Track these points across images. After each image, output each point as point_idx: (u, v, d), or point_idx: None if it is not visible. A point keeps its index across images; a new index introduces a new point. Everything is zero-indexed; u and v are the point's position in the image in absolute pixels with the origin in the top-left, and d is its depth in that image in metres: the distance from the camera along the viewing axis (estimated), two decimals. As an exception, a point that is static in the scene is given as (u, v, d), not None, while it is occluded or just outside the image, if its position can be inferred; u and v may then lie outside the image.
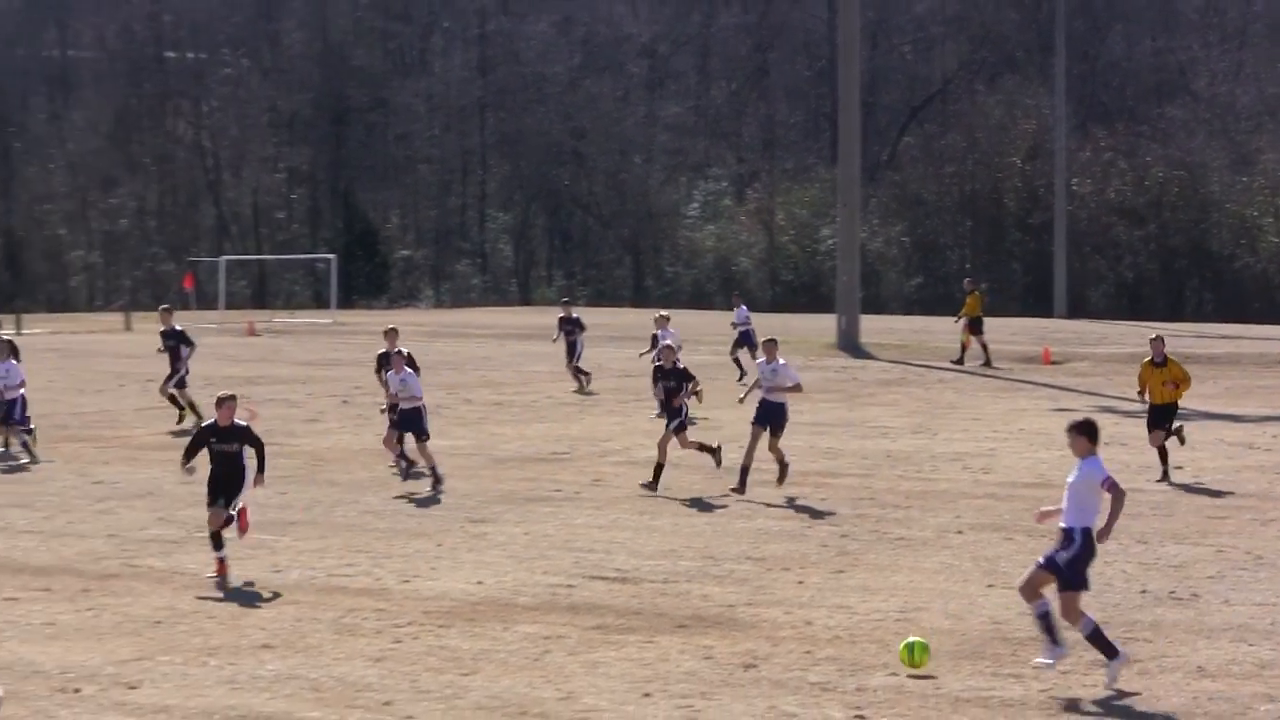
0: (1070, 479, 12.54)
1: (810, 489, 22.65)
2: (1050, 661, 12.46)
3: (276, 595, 16.04)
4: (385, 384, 24.42)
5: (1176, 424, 23.75)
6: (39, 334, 57.57)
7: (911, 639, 13.08)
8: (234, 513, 16.61)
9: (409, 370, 23.48)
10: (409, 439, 23.11)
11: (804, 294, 76.66)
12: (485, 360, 46.31)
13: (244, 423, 16.75)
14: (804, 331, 50.96)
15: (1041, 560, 12.43)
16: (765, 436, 21.96)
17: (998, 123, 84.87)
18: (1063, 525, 12.44)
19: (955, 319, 45.11)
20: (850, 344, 48.07)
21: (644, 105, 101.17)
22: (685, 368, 23.50)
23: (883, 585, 16.34)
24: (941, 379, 40.68)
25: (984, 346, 41.81)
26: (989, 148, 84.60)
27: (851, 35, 51.40)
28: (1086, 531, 12.24)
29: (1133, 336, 49.04)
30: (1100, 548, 12.55)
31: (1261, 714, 11.73)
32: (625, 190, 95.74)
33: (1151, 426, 23.35)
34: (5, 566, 17.54)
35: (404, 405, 22.90)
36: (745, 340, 38.98)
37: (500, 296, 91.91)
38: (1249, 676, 12.66)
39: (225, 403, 16.52)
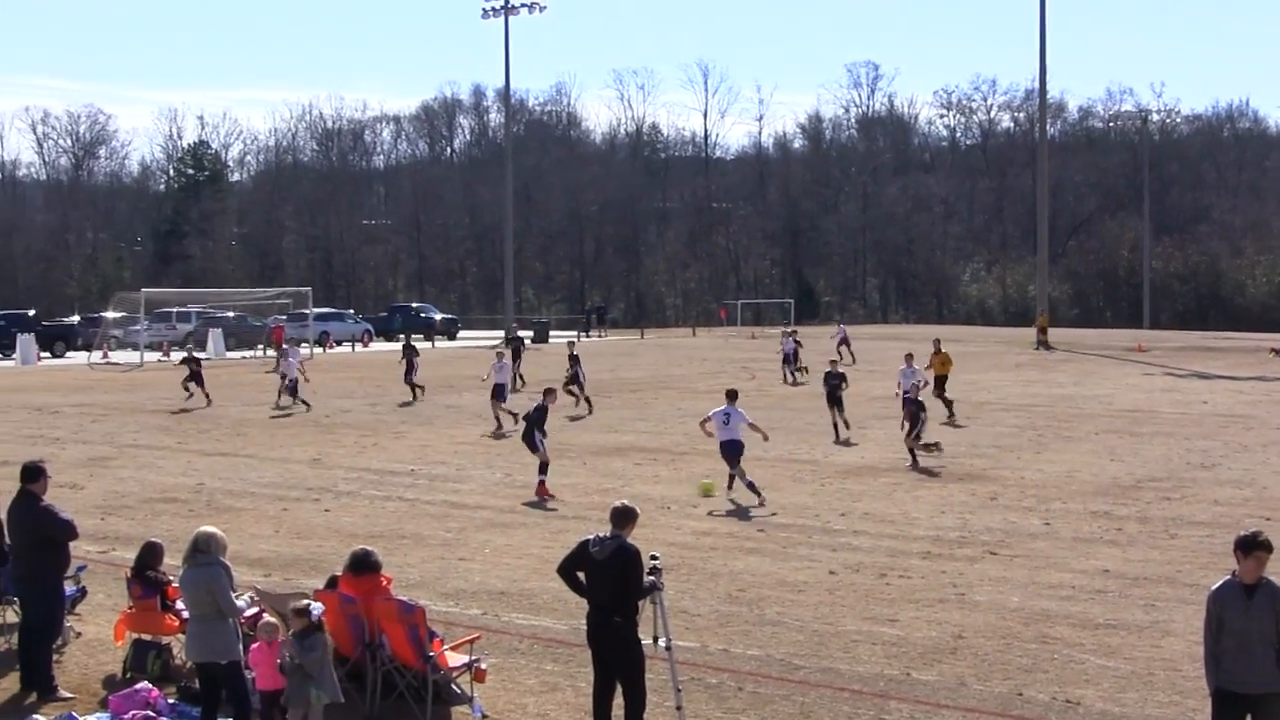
0: None
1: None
2: None
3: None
4: None
5: None
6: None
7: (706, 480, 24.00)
8: None
9: None
10: None
11: (1019, 318, 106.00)
12: None
13: None
14: (1020, 336, 77.50)
15: None
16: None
17: (1116, 233, 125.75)
18: None
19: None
20: (1041, 343, 73.98)
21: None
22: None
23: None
24: (1085, 359, 59.85)
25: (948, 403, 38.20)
26: (1113, 246, 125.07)
27: (1043, 190, 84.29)
28: None
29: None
30: None
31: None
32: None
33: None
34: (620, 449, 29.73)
35: None
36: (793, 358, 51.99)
37: None
38: None
39: None
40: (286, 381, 41.85)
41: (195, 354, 42.15)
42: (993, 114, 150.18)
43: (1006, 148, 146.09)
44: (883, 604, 16.42)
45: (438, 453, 30.29)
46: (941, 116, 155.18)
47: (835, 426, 33.28)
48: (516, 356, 47.37)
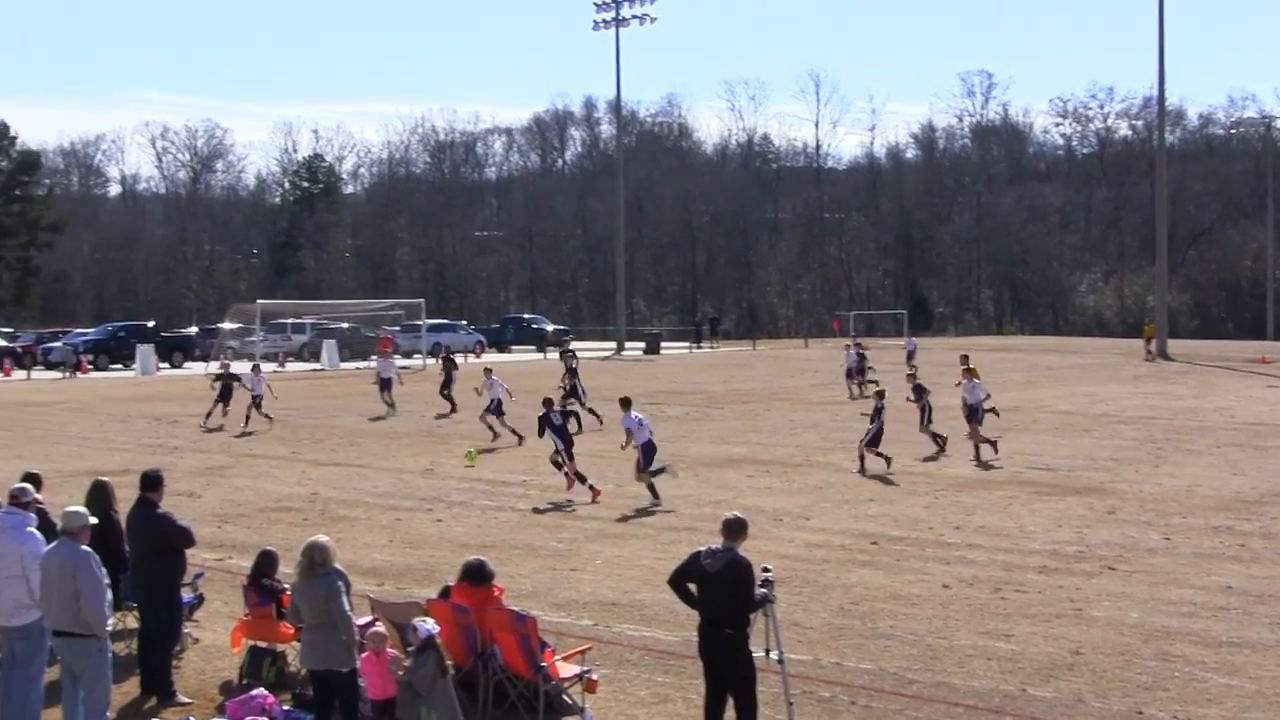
0: None
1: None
2: None
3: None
4: None
5: None
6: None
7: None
8: None
9: None
10: None
11: (1137, 330, 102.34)
12: None
13: None
14: (1139, 348, 77.09)
15: None
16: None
17: (1238, 242, 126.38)
18: None
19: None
20: (1162, 353, 73.22)
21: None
22: None
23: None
24: (1205, 371, 58.37)
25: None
26: (1235, 256, 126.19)
27: (1162, 199, 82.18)
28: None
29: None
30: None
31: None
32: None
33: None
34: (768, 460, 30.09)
35: None
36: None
37: None
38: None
39: None
40: (379, 380, 43.86)
41: (230, 369, 41.75)
42: (1109, 122, 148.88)
43: (1124, 156, 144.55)
44: (998, 619, 16.21)
45: (549, 464, 30.30)
46: (1057, 125, 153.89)
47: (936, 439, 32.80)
48: (573, 371, 47.21)
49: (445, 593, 13.25)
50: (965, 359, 38.31)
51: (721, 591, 11.23)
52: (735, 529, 11.47)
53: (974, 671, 14.06)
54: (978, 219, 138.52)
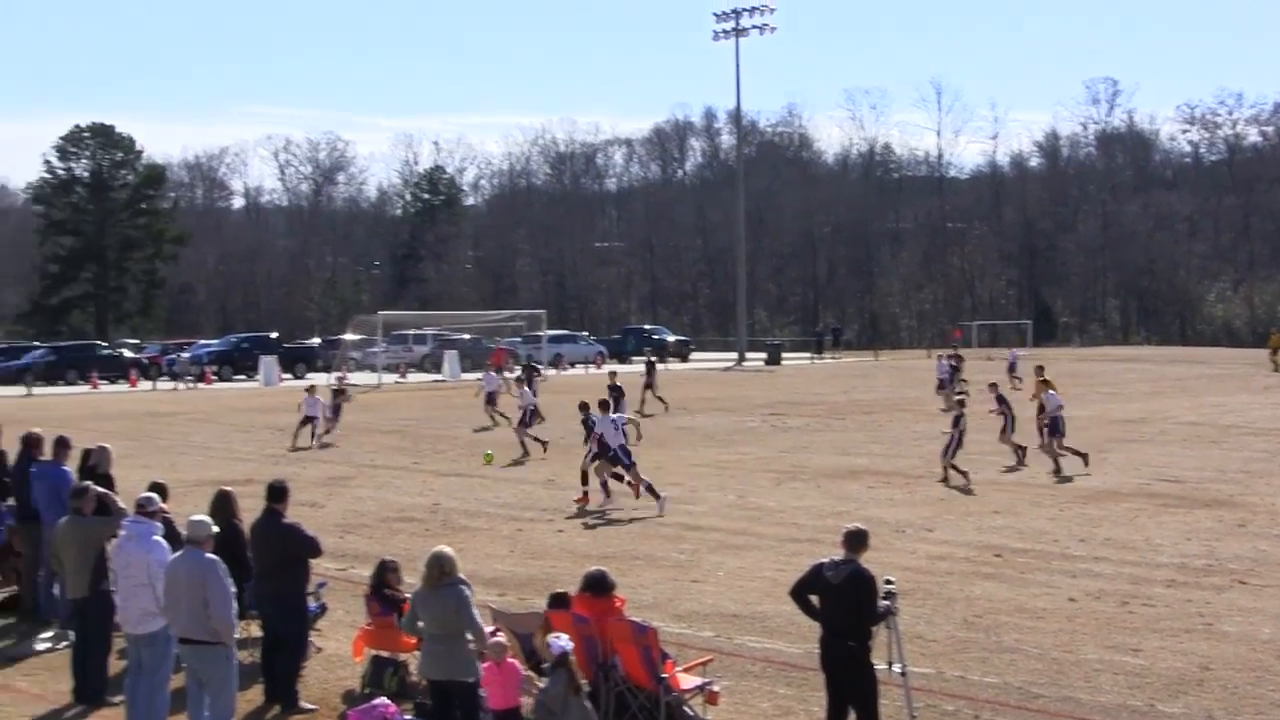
0: None
1: None
2: None
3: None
4: None
5: None
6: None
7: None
8: None
9: None
10: None
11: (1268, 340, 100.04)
12: None
13: None
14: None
15: None
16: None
17: None
18: None
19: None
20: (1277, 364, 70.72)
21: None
22: None
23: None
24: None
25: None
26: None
27: None
28: None
29: None
30: None
31: None
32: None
33: None
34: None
35: None
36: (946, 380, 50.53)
37: None
38: None
39: None
40: (484, 395, 43.64)
41: (346, 385, 40.79)
42: (1238, 128, 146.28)
43: (1254, 163, 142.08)
44: (1125, 633, 15.95)
45: (671, 474, 30.27)
46: (1184, 131, 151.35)
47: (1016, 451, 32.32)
48: (650, 378, 47.34)
49: (555, 600, 13.28)
50: (1040, 370, 37.69)
51: (844, 604, 11.18)
52: (857, 541, 11.41)
53: (1101, 686, 13.84)
54: (1103, 227, 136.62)
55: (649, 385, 47.62)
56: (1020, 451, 32.12)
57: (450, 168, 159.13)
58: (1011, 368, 58.21)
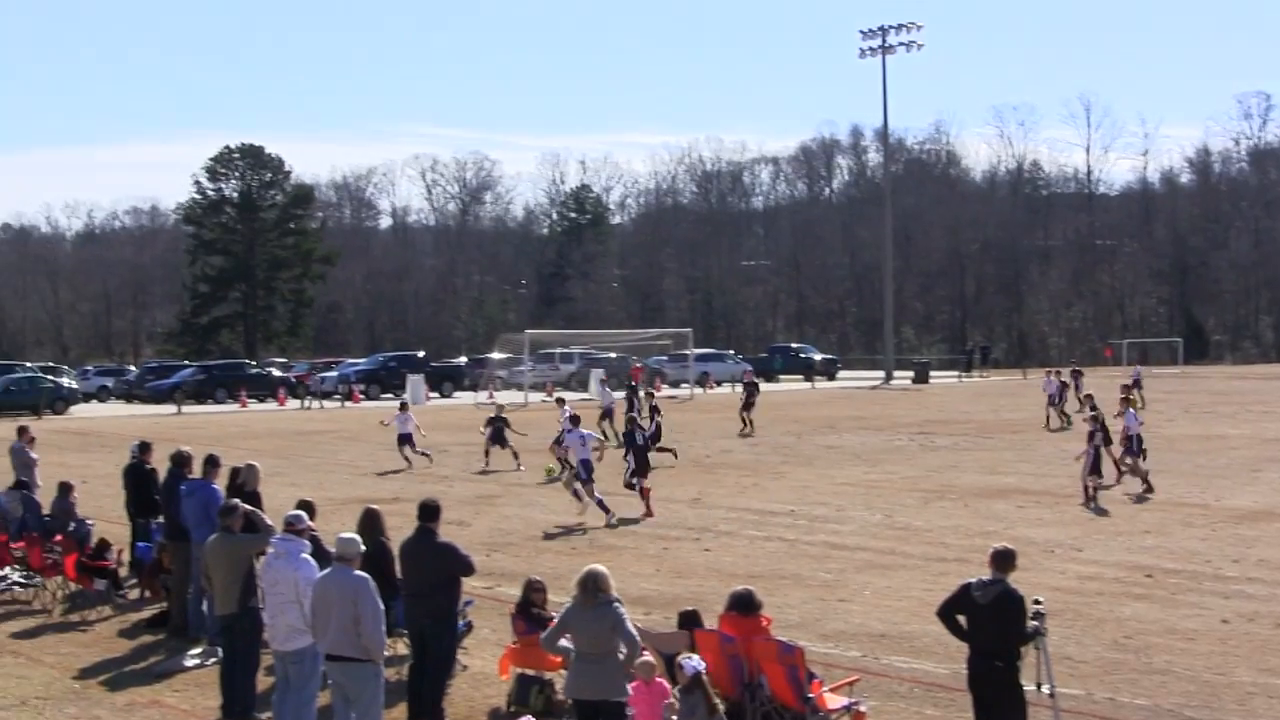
0: None
1: None
2: None
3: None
4: None
5: None
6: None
7: None
8: None
9: None
10: None
11: None
12: None
13: None
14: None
15: None
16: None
17: None
18: None
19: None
20: None
21: None
22: None
23: None
24: None
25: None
26: None
27: None
28: None
29: None
30: None
31: None
32: None
33: None
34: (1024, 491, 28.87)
35: None
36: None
37: None
38: None
39: None
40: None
41: (503, 413, 39.42)
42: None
43: None
44: (1281, 656, 15.67)
45: (818, 493, 30.20)
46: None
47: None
48: (751, 402, 47.07)
49: (686, 619, 13.43)
50: (1126, 388, 37.13)
51: (992, 624, 11.14)
52: (1005, 560, 11.34)
53: (1255, 710, 13.59)
54: (1255, 244, 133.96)
55: (748, 406, 47.35)
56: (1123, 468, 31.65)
57: (597, 186, 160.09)
58: (1135, 385, 57.11)
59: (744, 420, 46.79)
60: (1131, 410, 32.26)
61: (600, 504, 26.75)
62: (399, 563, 14.28)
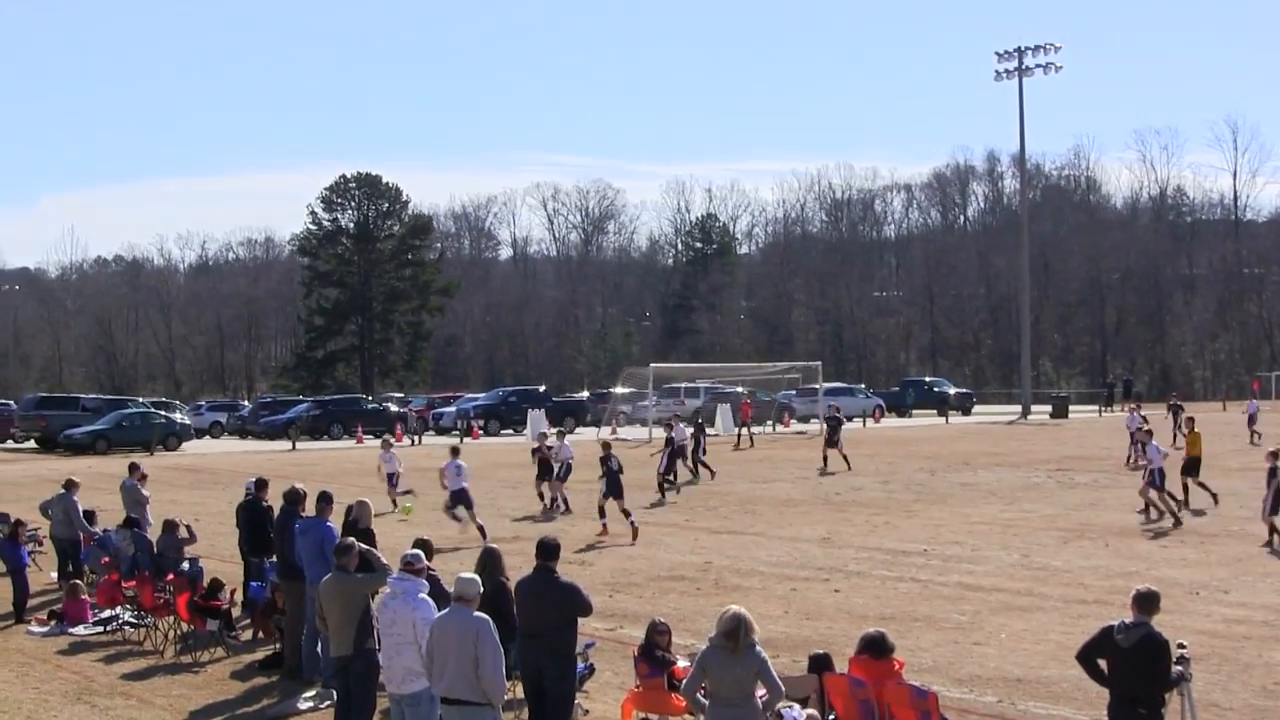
0: None
1: None
2: None
3: None
4: None
5: None
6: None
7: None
8: None
9: None
10: None
11: None
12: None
13: None
14: None
15: None
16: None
17: None
18: None
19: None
20: None
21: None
22: None
23: None
24: None
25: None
26: None
27: None
28: None
29: None
30: None
31: None
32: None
33: None
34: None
35: None
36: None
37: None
38: None
39: None
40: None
41: (548, 442, 37.74)
42: None
43: None
44: None
45: (951, 532, 29.59)
46: None
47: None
48: (835, 439, 46.27)
49: (816, 663, 13.12)
50: (1187, 418, 37.78)
51: (1135, 668, 10.80)
52: (1148, 602, 10.99)
53: None
54: None
55: (832, 442, 46.03)
56: (1177, 502, 31.99)
57: (723, 215, 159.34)
58: (1251, 419, 55.60)
59: (825, 457, 45.75)
60: (1155, 443, 32.60)
61: (480, 529, 29.22)
62: (516, 602, 13.97)
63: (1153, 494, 31.21)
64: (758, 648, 10.99)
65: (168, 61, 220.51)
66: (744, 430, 59.24)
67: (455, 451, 32.22)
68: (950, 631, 19.27)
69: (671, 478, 39.70)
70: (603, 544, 28.99)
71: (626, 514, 29.78)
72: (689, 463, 42.76)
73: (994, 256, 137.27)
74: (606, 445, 31.98)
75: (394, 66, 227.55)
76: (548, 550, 13.62)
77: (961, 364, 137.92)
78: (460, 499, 29.99)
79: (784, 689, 11.29)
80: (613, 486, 30.34)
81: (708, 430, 49.17)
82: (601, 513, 30.63)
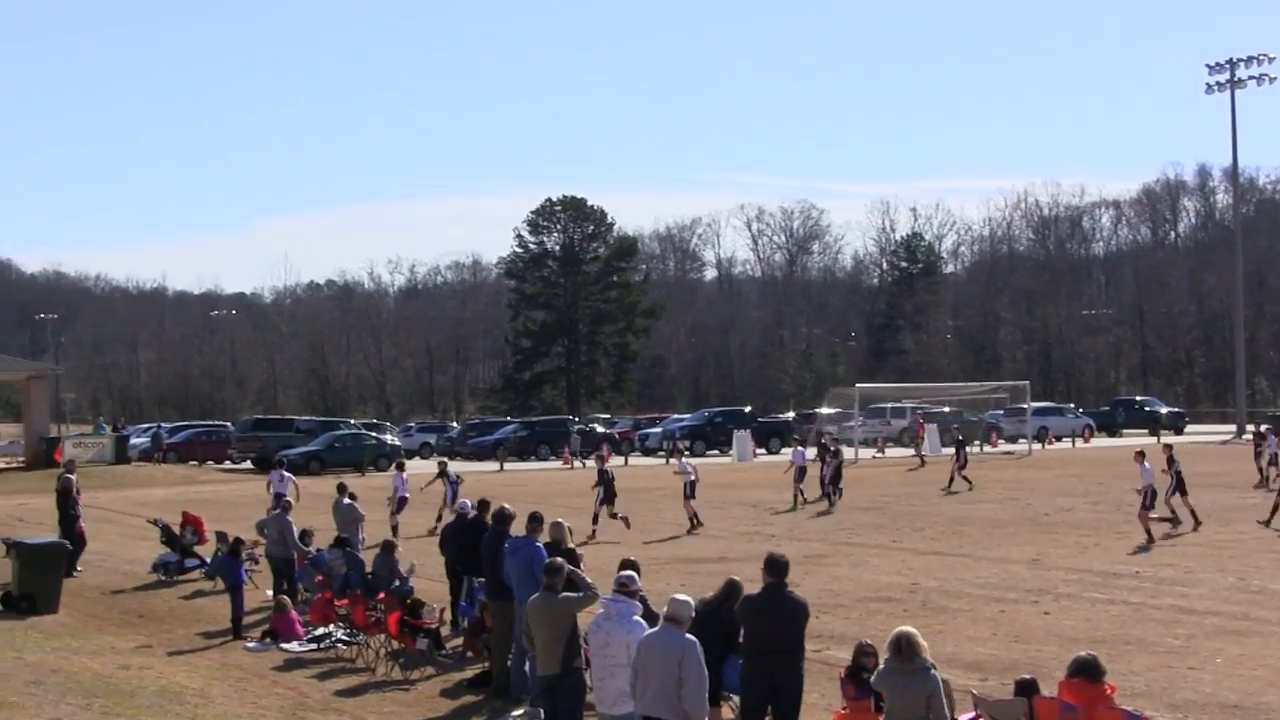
0: None
1: None
2: None
3: None
4: None
5: None
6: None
7: None
8: None
9: None
10: None
11: None
12: None
13: None
14: None
15: None
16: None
17: None
18: None
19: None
20: None
21: None
22: None
23: None
24: None
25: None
26: None
27: None
28: None
29: None
30: None
31: None
32: None
33: None
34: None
35: None
36: None
37: None
38: None
39: None
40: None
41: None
42: None
43: None
44: None
45: (1164, 554, 28.97)
46: None
47: None
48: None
49: (1023, 688, 12.80)
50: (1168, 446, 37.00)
51: None
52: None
53: None
54: None
55: (961, 465, 46.48)
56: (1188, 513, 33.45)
57: (928, 234, 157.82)
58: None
59: (960, 478, 46.13)
60: (1146, 464, 32.44)
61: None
62: (744, 620, 13.94)
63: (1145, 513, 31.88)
64: (934, 671, 10.95)
65: (372, 90, 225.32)
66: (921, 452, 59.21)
67: (401, 466, 39.46)
68: (1163, 656, 18.83)
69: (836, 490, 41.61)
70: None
71: (614, 515, 34.55)
72: (826, 485, 42.39)
73: (1206, 273, 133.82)
74: (601, 459, 38.10)
75: (597, 91, 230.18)
76: (778, 567, 13.66)
77: (1173, 382, 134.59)
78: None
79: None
80: (607, 494, 34.96)
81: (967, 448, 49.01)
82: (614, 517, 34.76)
